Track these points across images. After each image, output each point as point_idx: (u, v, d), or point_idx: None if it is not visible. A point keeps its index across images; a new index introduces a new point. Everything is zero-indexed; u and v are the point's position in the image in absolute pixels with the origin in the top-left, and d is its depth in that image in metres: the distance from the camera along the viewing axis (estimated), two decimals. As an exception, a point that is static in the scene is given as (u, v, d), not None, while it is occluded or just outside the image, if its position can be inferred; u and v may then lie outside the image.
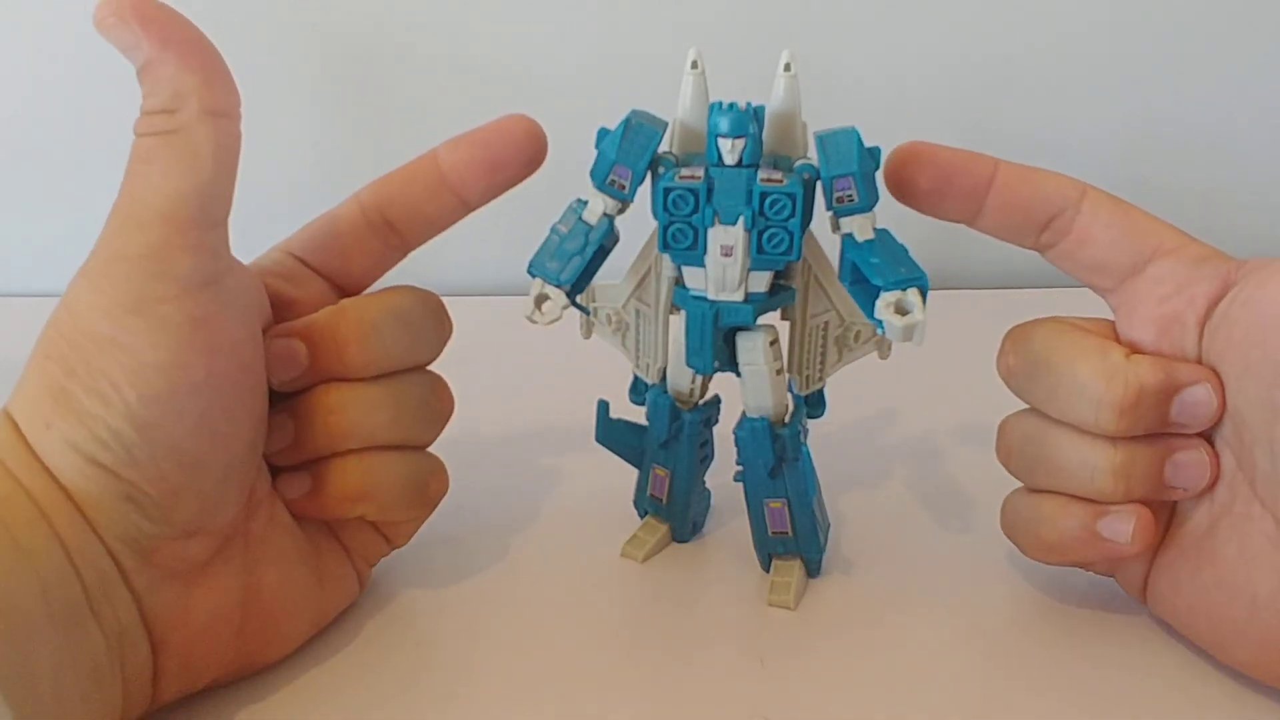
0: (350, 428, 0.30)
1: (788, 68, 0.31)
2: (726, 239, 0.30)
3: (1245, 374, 0.28)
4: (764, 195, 0.29)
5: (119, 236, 0.26)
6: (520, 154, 0.31)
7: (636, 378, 0.36)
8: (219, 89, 0.26)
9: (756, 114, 0.30)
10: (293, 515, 0.31)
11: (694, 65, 0.32)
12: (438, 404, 0.33)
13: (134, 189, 0.26)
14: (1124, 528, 0.30)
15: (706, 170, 0.30)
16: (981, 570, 0.36)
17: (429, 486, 0.32)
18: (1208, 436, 0.30)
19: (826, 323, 0.34)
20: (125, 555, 0.26)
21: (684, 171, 0.30)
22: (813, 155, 0.31)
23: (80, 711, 0.25)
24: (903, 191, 0.31)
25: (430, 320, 0.32)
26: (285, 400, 0.30)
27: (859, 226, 0.30)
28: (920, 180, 0.31)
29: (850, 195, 0.30)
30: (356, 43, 0.57)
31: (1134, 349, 0.30)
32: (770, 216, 0.30)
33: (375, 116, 0.59)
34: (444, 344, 0.33)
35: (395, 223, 0.32)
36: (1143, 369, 0.29)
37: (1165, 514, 0.31)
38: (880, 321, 0.29)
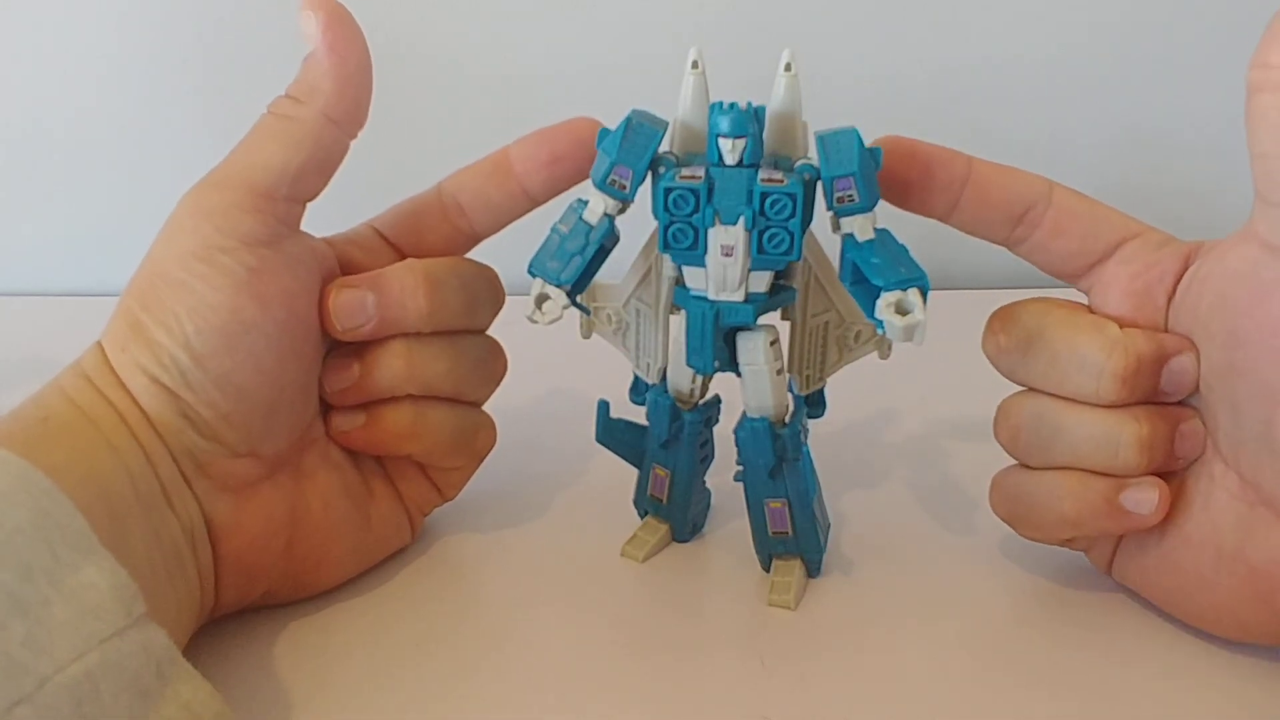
0: (410, 373, 0.33)
1: (788, 68, 0.31)
2: (727, 239, 0.30)
3: (1209, 341, 0.30)
4: (764, 195, 0.29)
5: (200, 193, 0.30)
6: (581, 149, 0.32)
7: (637, 378, 0.36)
8: (348, 104, 0.31)
9: (757, 114, 0.30)
10: (343, 448, 0.34)
11: (694, 65, 0.32)
12: (493, 365, 0.35)
13: (234, 155, 0.31)
14: (1148, 499, 0.31)
15: (707, 170, 0.30)
16: (981, 570, 0.36)
17: (477, 438, 0.35)
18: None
19: (827, 323, 0.34)
20: (186, 464, 0.30)
21: (684, 171, 0.30)
22: (813, 155, 0.31)
23: (169, 588, 0.29)
24: (886, 184, 0.31)
25: (488, 287, 0.35)
26: (350, 347, 0.33)
27: (859, 226, 0.30)
28: (906, 172, 0.32)
29: (851, 195, 0.30)
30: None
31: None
32: (771, 216, 0.30)
33: (377, 115, 0.59)
34: (498, 311, 0.35)
35: (466, 207, 0.34)
36: (1138, 339, 0.30)
37: None
38: (881, 321, 0.29)
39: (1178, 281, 0.31)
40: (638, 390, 0.36)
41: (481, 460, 0.37)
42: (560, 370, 0.48)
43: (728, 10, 0.57)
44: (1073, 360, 0.31)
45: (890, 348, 0.34)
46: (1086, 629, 0.33)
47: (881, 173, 0.31)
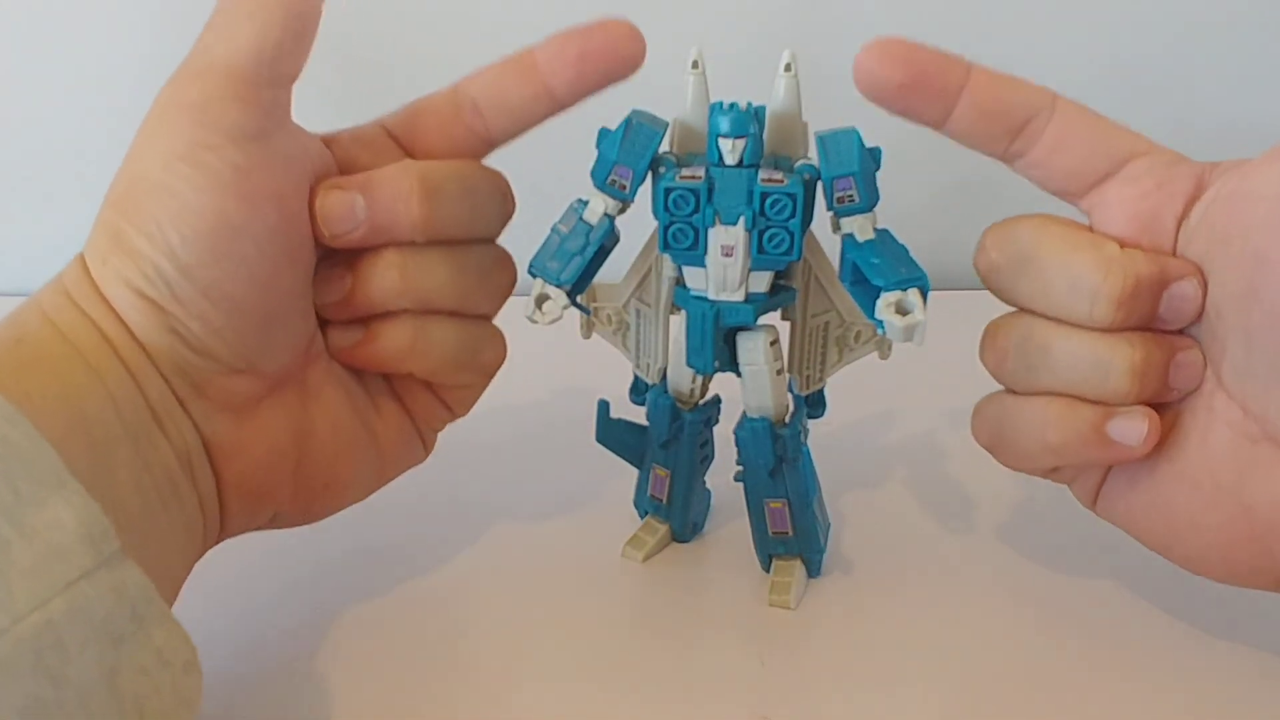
0: (404, 286, 0.30)
1: (788, 68, 0.31)
2: (727, 239, 0.30)
3: (1227, 263, 0.28)
4: (764, 195, 0.29)
5: (178, 86, 0.27)
6: (612, 47, 0.30)
7: (637, 377, 0.36)
8: None
9: (757, 114, 0.30)
10: (343, 365, 0.32)
11: (695, 65, 0.32)
12: (500, 276, 0.32)
13: (202, 41, 0.28)
14: (1136, 429, 0.29)
15: (707, 170, 0.30)
16: (981, 570, 0.36)
17: (483, 354, 0.33)
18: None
19: (827, 323, 0.34)
20: (179, 384, 0.28)
21: (684, 171, 0.30)
22: (813, 155, 0.31)
23: (163, 517, 0.27)
24: (875, 85, 0.29)
25: (495, 194, 0.32)
26: (342, 255, 0.30)
27: (859, 227, 0.30)
28: (895, 74, 0.29)
29: (851, 195, 0.30)
30: (368, 49, 0.57)
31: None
32: (771, 217, 0.30)
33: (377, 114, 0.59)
34: (506, 221, 0.33)
35: (482, 107, 0.32)
36: (1138, 260, 0.28)
37: None
38: (881, 321, 0.29)
39: (1189, 204, 0.29)
40: (638, 390, 0.36)
41: (491, 377, 0.34)
42: (560, 370, 0.48)
43: (729, 11, 0.57)
44: (1066, 279, 0.29)
45: (890, 348, 0.34)
46: (1087, 629, 0.33)
47: (874, 74, 0.29)
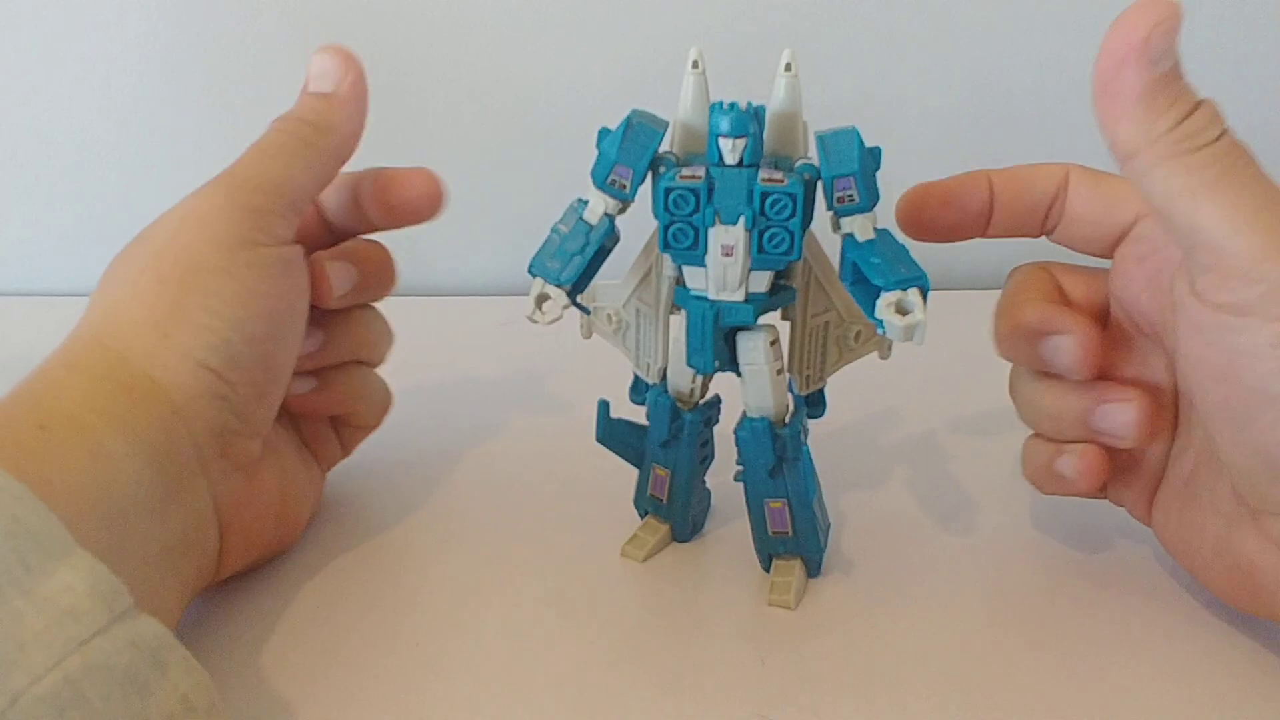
0: (370, 341, 0.38)
1: (788, 68, 0.31)
2: (727, 239, 0.30)
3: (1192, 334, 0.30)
4: (765, 195, 0.29)
5: (241, 193, 0.32)
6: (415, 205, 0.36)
7: (637, 377, 0.36)
8: (355, 143, 0.35)
9: (757, 114, 0.30)
10: (293, 411, 0.37)
11: (695, 65, 0.32)
12: (388, 330, 0.39)
13: (263, 163, 0.33)
14: (1071, 465, 0.33)
15: (707, 170, 0.30)
16: (981, 570, 0.36)
17: (389, 401, 0.40)
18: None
19: (827, 323, 0.34)
20: (209, 446, 0.31)
21: (685, 171, 0.30)
22: (813, 155, 0.31)
23: (171, 578, 0.29)
24: (927, 230, 0.33)
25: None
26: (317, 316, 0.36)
27: (860, 226, 0.30)
28: (945, 217, 0.33)
29: (851, 195, 0.30)
30: (371, 50, 0.57)
31: (1123, 305, 0.33)
32: (771, 216, 0.30)
33: (387, 118, 0.59)
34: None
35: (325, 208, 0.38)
36: (1027, 309, 0.32)
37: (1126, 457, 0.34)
38: (881, 321, 0.29)
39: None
40: (638, 390, 0.36)
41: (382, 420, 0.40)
42: (560, 370, 0.48)
43: (729, 10, 0.57)
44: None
45: (890, 347, 0.34)
46: (1087, 630, 0.33)
47: (923, 221, 0.32)
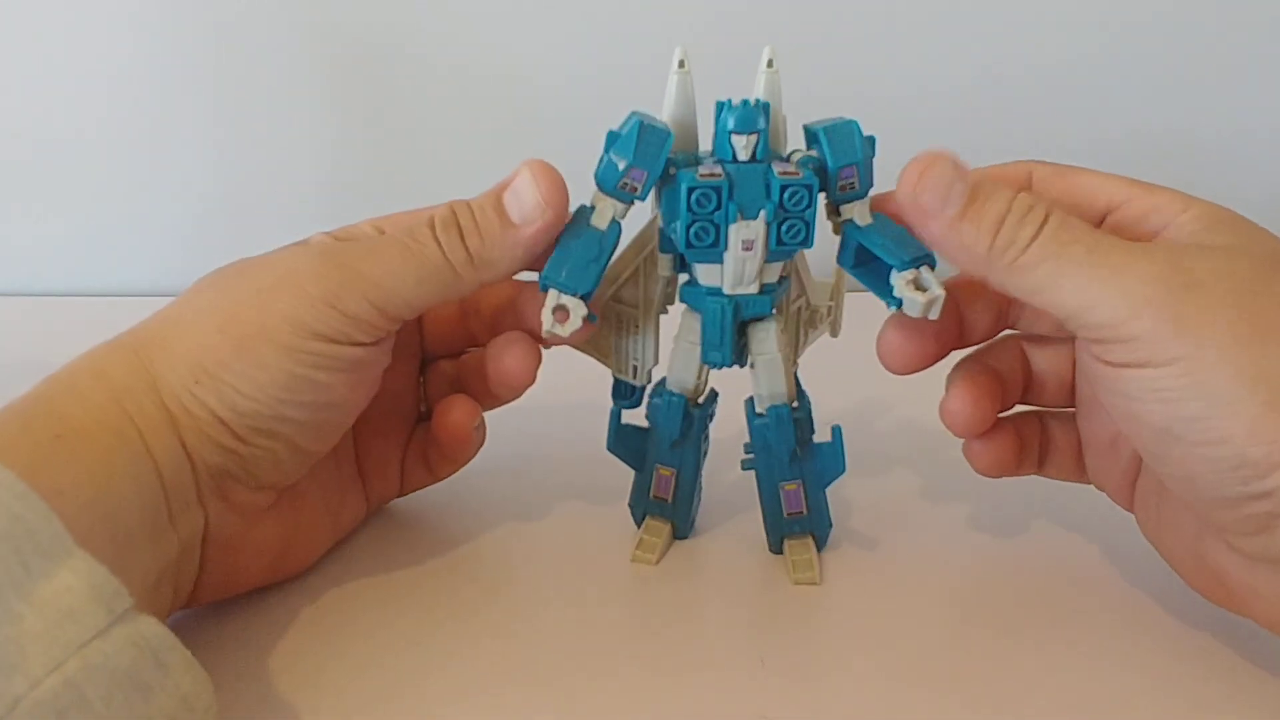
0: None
1: (770, 64, 0.32)
2: (748, 233, 0.30)
3: None
4: (784, 188, 0.30)
5: (335, 286, 0.30)
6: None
7: (618, 380, 0.36)
8: (505, 275, 0.32)
9: (764, 109, 0.31)
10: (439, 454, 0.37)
11: (681, 65, 0.32)
12: None
13: (384, 261, 0.30)
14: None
15: (724, 167, 0.30)
16: (982, 570, 0.36)
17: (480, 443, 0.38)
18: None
19: (799, 308, 0.36)
20: (208, 486, 0.30)
21: (703, 170, 0.30)
22: (798, 147, 0.32)
23: (154, 595, 0.29)
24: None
25: None
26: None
27: (859, 212, 0.31)
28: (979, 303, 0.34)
29: (852, 183, 0.31)
30: (367, 49, 0.57)
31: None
32: (790, 208, 0.30)
33: (384, 118, 0.58)
34: None
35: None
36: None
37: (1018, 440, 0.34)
38: (900, 300, 0.31)
39: None
40: (620, 393, 0.36)
41: None
42: (560, 371, 0.47)
43: (716, 11, 0.57)
44: None
45: (840, 326, 0.36)
46: (1087, 629, 0.33)
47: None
